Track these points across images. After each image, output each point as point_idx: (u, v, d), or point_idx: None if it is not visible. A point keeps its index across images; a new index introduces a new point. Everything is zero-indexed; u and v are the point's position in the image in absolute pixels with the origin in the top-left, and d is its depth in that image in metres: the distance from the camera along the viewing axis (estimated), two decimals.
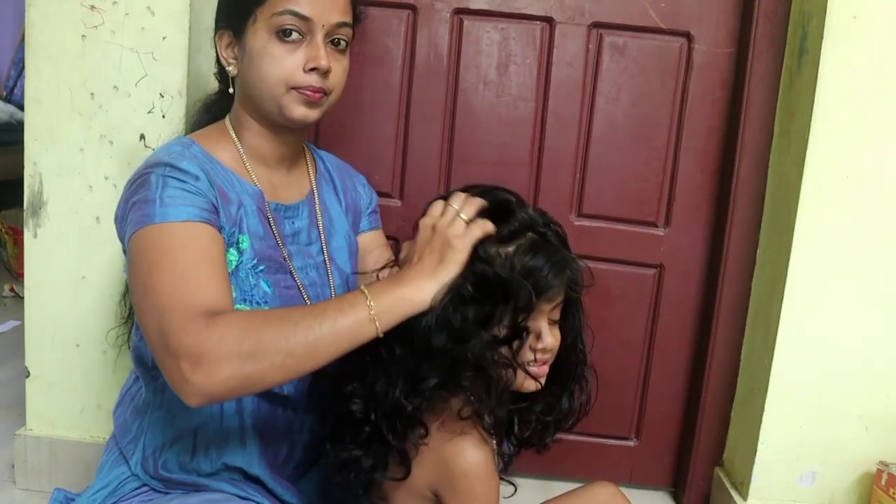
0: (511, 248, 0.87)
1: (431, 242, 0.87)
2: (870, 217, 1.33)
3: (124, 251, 0.93)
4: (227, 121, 1.05)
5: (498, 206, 0.90)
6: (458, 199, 0.89)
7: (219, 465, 0.98)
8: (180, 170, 0.91)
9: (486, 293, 0.84)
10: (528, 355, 0.89)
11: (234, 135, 1.03)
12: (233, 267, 0.94)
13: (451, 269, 0.85)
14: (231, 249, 0.95)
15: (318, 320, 0.81)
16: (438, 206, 0.90)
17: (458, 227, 0.86)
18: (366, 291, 0.83)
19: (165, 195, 0.88)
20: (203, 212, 0.89)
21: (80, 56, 1.34)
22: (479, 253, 0.86)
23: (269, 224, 1.01)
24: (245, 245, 0.96)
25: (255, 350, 0.78)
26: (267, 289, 0.97)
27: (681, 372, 1.62)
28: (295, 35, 0.95)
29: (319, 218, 1.09)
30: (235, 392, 0.81)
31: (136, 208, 0.89)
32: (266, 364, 0.78)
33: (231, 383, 0.78)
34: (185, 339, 0.78)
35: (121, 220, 0.93)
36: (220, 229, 0.92)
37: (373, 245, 1.20)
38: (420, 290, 0.84)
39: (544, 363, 0.91)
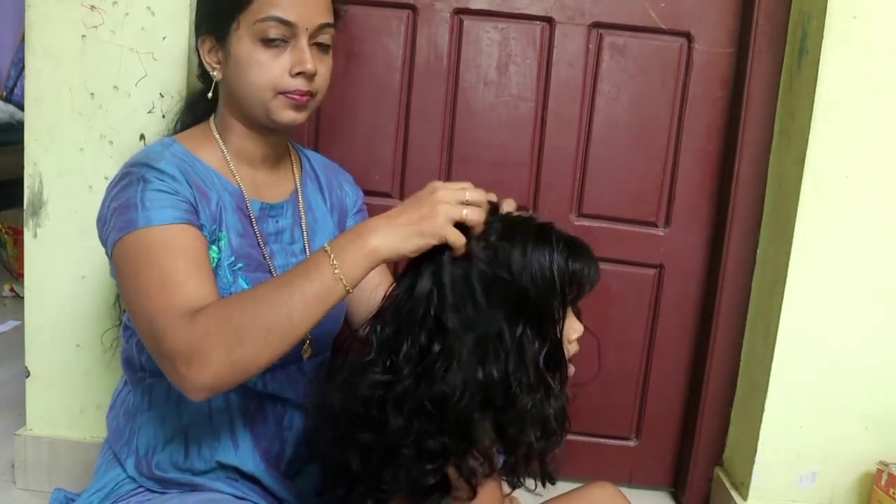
0: (546, 253, 0.83)
1: (420, 200, 0.83)
2: (869, 217, 1.33)
3: (108, 255, 0.94)
4: (211, 123, 1.05)
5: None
6: (471, 190, 0.85)
7: (212, 463, 0.98)
8: (157, 170, 0.92)
9: (533, 316, 0.83)
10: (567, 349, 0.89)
11: (218, 137, 1.04)
12: (214, 264, 0.95)
13: (420, 230, 0.80)
14: (213, 247, 0.96)
15: (288, 292, 0.81)
16: (459, 183, 0.85)
17: (452, 196, 0.82)
18: (329, 250, 0.82)
19: (146, 199, 0.90)
20: (183, 212, 0.91)
21: (80, 56, 1.34)
22: (510, 265, 0.82)
23: (251, 223, 1.02)
24: (224, 242, 0.98)
25: (237, 336, 0.80)
26: (245, 286, 0.97)
27: (681, 372, 1.62)
28: (279, 40, 0.95)
29: (303, 216, 1.09)
30: (234, 378, 0.83)
31: (117, 214, 0.90)
32: (251, 346, 0.81)
33: (224, 372, 0.81)
34: (175, 340, 0.82)
35: (103, 223, 0.95)
36: (201, 227, 0.94)
37: None
38: (383, 239, 0.81)
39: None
